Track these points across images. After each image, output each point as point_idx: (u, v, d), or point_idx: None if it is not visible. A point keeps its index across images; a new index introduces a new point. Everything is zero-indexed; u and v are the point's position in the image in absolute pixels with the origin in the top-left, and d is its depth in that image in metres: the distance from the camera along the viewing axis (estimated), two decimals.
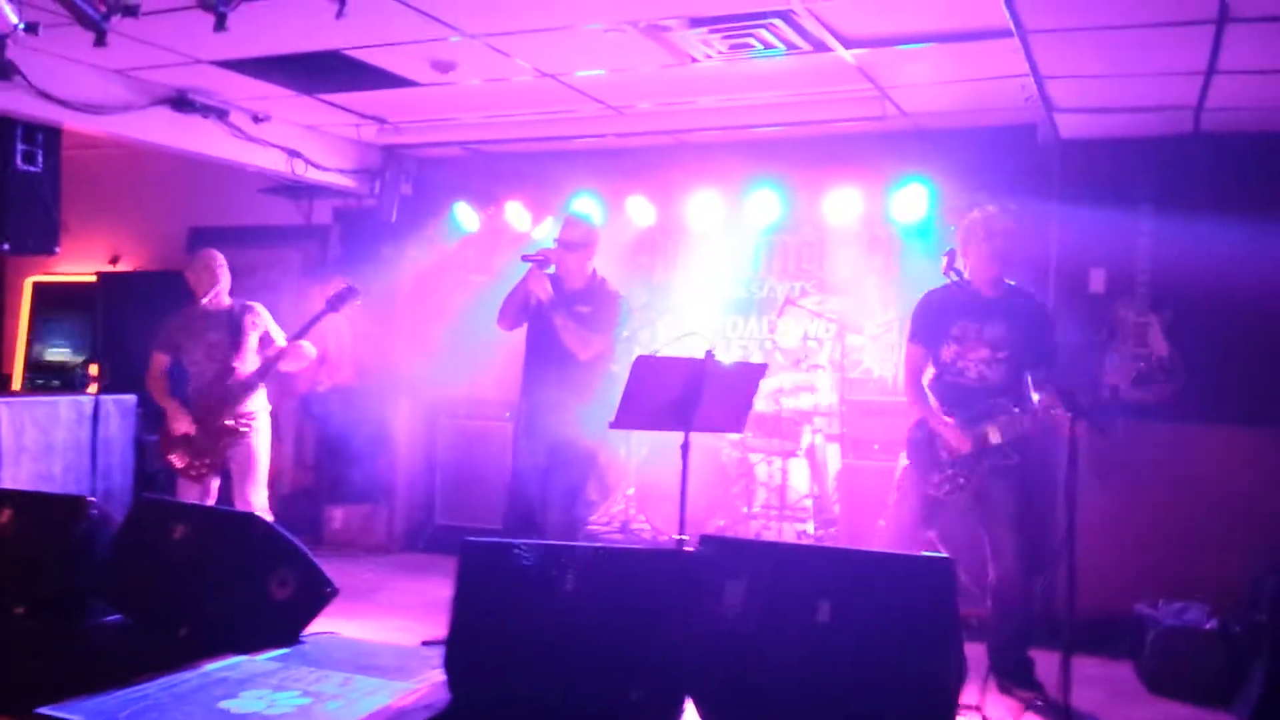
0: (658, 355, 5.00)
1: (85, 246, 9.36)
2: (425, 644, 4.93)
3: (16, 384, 9.58)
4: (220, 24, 4.84)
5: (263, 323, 5.95)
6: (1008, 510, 4.65)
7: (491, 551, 3.80)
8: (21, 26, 4.30)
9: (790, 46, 5.45)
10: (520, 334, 5.55)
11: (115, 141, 6.85)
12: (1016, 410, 4.60)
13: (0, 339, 9.99)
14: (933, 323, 4.85)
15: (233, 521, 4.79)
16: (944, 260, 4.82)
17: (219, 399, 5.76)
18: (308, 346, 5.84)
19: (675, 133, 7.35)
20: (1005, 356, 4.69)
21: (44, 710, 3.36)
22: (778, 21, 5.11)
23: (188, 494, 5.75)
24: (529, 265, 5.39)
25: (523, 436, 5.40)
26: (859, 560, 3.65)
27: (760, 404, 6.51)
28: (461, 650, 3.59)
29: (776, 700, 3.22)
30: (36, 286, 9.89)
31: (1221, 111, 5.78)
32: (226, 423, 5.72)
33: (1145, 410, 6.09)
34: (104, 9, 4.26)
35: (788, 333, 7.14)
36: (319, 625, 4.44)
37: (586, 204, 7.49)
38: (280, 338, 5.94)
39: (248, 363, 5.86)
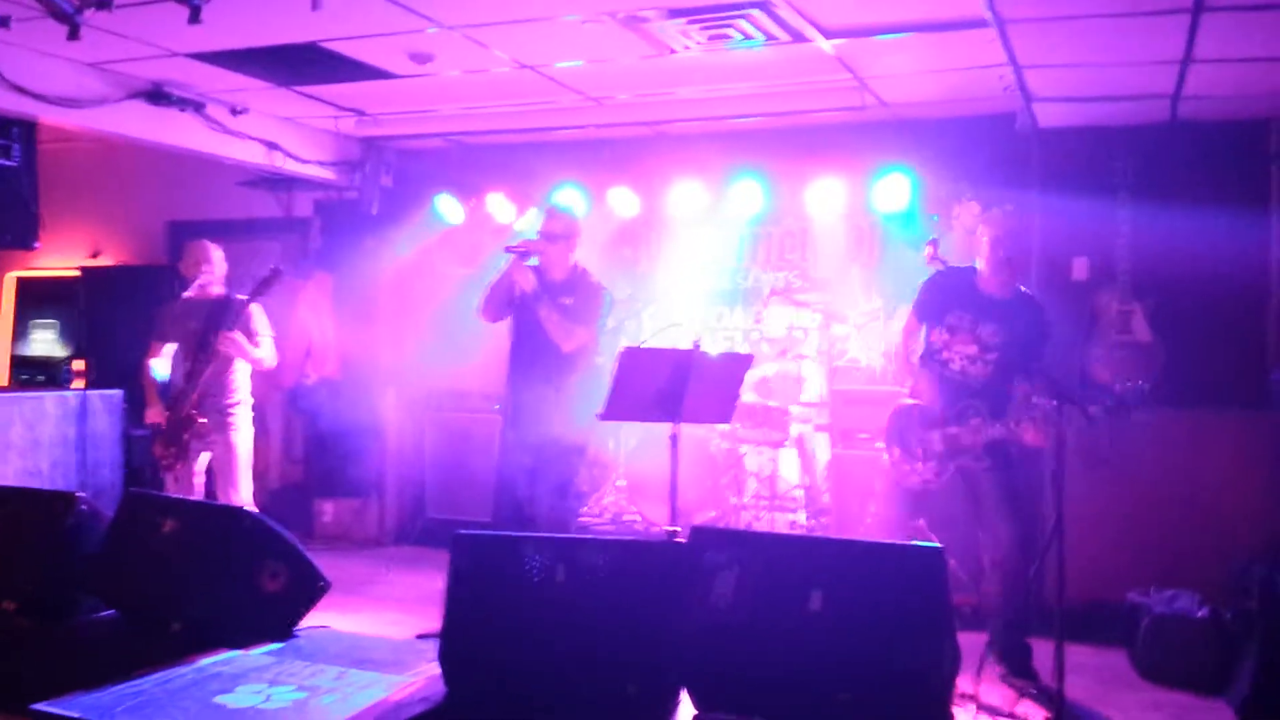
0: (644, 347, 5.01)
1: (66, 241, 9.31)
2: (420, 637, 4.95)
3: (2, 380, 9.51)
4: (195, 16, 4.81)
5: (248, 319, 5.85)
6: (997, 494, 4.68)
7: (483, 544, 3.82)
8: None
9: (769, 37, 5.48)
10: (504, 326, 5.55)
11: (92, 135, 6.82)
12: (988, 416, 4.60)
13: None
14: (934, 302, 4.85)
15: (223, 516, 4.78)
16: (928, 249, 4.87)
17: (186, 389, 5.73)
18: (239, 337, 5.71)
19: (656, 124, 7.36)
20: (994, 359, 4.69)
21: (39, 706, 3.36)
22: (756, 12, 5.13)
23: (168, 486, 5.75)
24: (511, 257, 5.39)
25: (510, 429, 5.41)
26: (850, 550, 3.69)
27: (748, 395, 6.55)
28: (456, 643, 3.60)
29: (770, 690, 3.25)
30: (19, 282, 9.82)
31: (1199, 99, 5.84)
32: (190, 412, 5.70)
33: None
34: (76, 2, 4.23)
35: (773, 323, 7.17)
36: (312, 619, 4.45)
37: (569, 195, 7.48)
38: (262, 334, 5.87)
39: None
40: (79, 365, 7.20)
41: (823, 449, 7.05)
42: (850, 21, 5.27)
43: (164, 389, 5.82)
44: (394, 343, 8.21)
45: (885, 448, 4.92)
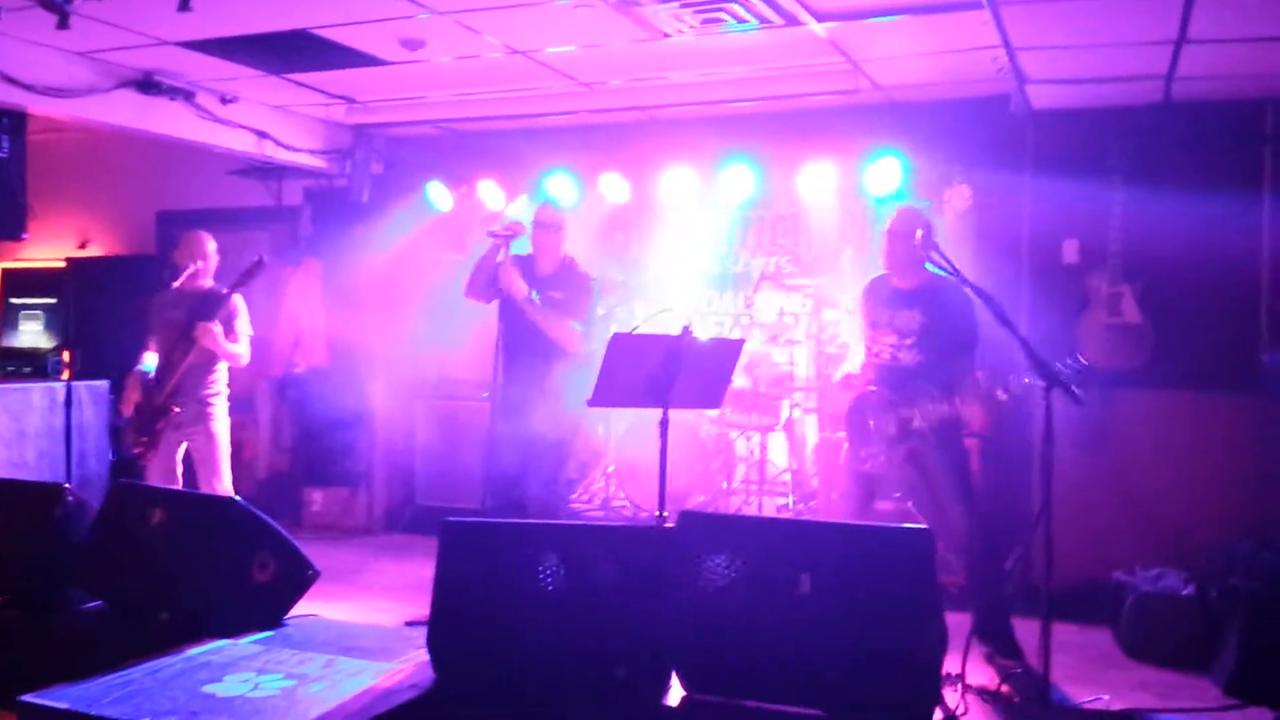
0: (634, 332, 4.99)
1: (54, 232, 9.27)
2: (408, 624, 4.94)
3: None
4: (184, 4, 4.79)
5: (231, 313, 5.76)
6: (948, 480, 4.79)
7: (472, 531, 3.81)
8: None
9: (762, 20, 5.45)
10: (491, 311, 5.54)
11: (82, 125, 6.78)
12: (937, 395, 4.74)
13: None
14: (866, 307, 5.11)
15: (211, 505, 4.76)
16: (919, 232, 4.85)
17: (163, 378, 5.69)
18: (217, 330, 5.63)
19: (648, 109, 7.33)
20: (913, 343, 4.87)
21: (28, 698, 3.34)
22: None
23: (149, 476, 5.72)
24: (492, 241, 5.42)
25: (500, 417, 5.40)
26: (839, 532, 3.68)
27: (738, 379, 6.53)
28: (444, 630, 3.59)
29: (761, 672, 3.25)
30: (5, 273, 9.79)
31: (1192, 80, 5.81)
32: (165, 401, 5.66)
33: (1119, 378, 6.15)
34: None
35: (764, 308, 7.15)
36: (301, 608, 4.43)
37: (560, 181, 7.47)
38: (240, 332, 5.80)
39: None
40: (66, 357, 7.15)
41: (812, 433, 7.05)
42: (843, 4, 5.24)
43: (148, 382, 5.77)
44: (383, 331, 8.19)
45: (845, 428, 5.10)
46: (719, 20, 5.45)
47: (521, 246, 5.60)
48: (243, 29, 5.76)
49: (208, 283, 5.90)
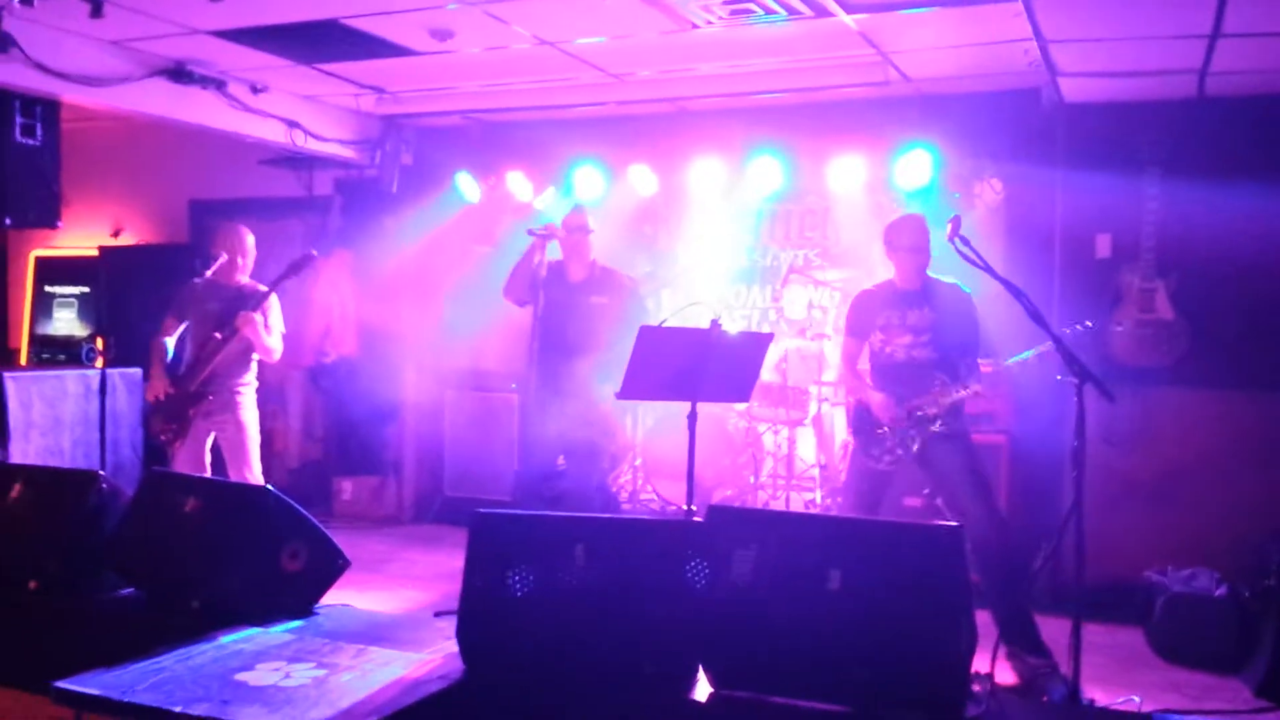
0: (663, 325, 4.99)
1: (87, 220, 9.36)
2: (438, 615, 4.96)
3: (23, 359, 9.59)
4: None
5: (267, 309, 5.83)
6: (961, 475, 4.81)
7: (502, 523, 3.81)
8: None
9: (791, 11, 5.42)
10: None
11: (114, 114, 6.83)
12: (948, 381, 4.82)
13: (4, 314, 9.99)
14: (862, 317, 5.16)
15: (245, 494, 4.79)
16: (949, 226, 4.82)
17: (196, 366, 5.75)
18: (258, 318, 5.70)
19: (676, 100, 7.32)
20: (928, 340, 4.94)
21: (60, 684, 3.37)
22: None
23: (177, 464, 5.77)
24: (533, 239, 5.43)
25: (534, 409, 5.45)
26: (868, 529, 3.66)
27: (766, 373, 6.52)
28: (473, 622, 3.60)
29: (789, 668, 3.24)
30: (39, 261, 9.88)
31: (1226, 75, 5.75)
32: (199, 389, 5.72)
33: (1151, 376, 6.10)
34: None
35: (793, 301, 7.13)
36: (331, 597, 4.46)
37: (588, 173, 7.49)
38: (274, 328, 5.85)
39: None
40: (100, 344, 7.22)
41: (840, 428, 7.03)
42: None
43: (170, 366, 5.82)
44: (413, 321, 8.23)
45: (850, 429, 5.21)
46: (748, 11, 5.44)
47: (552, 250, 5.62)
48: (274, 19, 5.79)
49: (244, 278, 5.94)
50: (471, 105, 7.73)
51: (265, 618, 4.09)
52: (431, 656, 3.68)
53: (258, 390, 6.00)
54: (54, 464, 6.36)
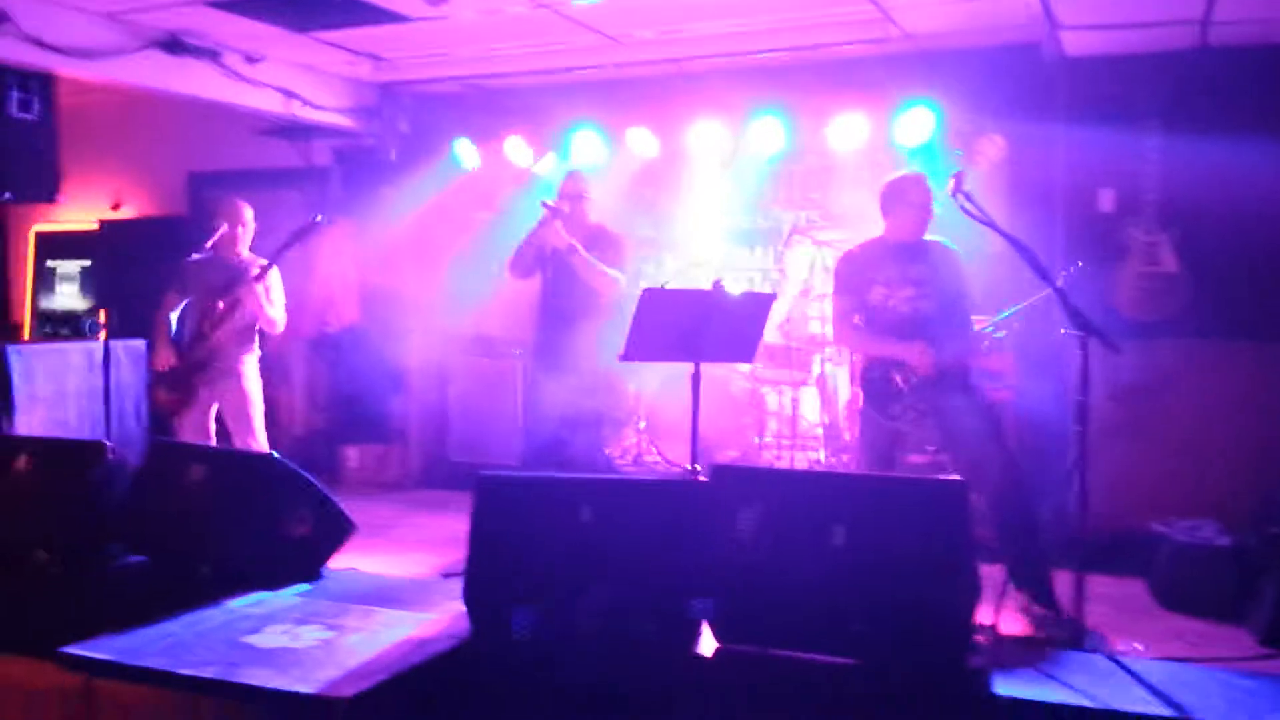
0: (665, 287, 4.99)
1: (87, 194, 9.34)
2: (444, 575, 4.99)
3: (26, 333, 9.60)
4: None
5: (267, 283, 5.84)
6: (974, 418, 4.76)
7: (506, 485, 3.83)
8: None
9: None
10: None
11: (110, 87, 6.80)
12: (954, 334, 4.81)
13: (7, 288, 10.00)
14: (856, 274, 5.04)
15: (251, 461, 4.82)
16: (951, 182, 4.79)
17: (200, 336, 5.77)
18: (260, 289, 5.72)
19: (675, 61, 7.26)
20: (929, 291, 4.89)
21: (69, 649, 3.39)
22: None
23: (183, 434, 5.80)
24: (544, 212, 5.43)
25: (540, 373, 5.47)
26: (872, 484, 3.68)
27: (769, 334, 6.51)
28: (480, 582, 3.62)
29: (792, 623, 3.27)
30: (40, 235, 9.88)
31: (1229, 25, 5.70)
32: (204, 358, 5.75)
33: (1156, 329, 6.08)
34: None
35: (795, 262, 7.11)
36: (338, 562, 4.49)
37: (588, 137, 7.44)
38: (276, 300, 5.88)
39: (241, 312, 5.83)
40: (103, 317, 7.23)
41: (844, 387, 7.02)
42: None
43: (175, 337, 5.85)
44: (415, 289, 8.22)
45: (863, 391, 5.08)
46: None
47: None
48: None
49: (244, 251, 5.95)
50: (469, 71, 7.68)
51: (273, 582, 4.12)
52: (439, 616, 3.72)
53: (260, 360, 6.02)
54: (60, 436, 6.38)
